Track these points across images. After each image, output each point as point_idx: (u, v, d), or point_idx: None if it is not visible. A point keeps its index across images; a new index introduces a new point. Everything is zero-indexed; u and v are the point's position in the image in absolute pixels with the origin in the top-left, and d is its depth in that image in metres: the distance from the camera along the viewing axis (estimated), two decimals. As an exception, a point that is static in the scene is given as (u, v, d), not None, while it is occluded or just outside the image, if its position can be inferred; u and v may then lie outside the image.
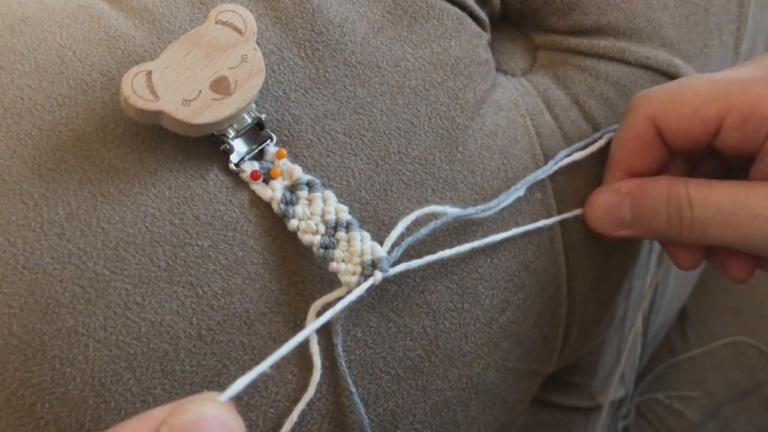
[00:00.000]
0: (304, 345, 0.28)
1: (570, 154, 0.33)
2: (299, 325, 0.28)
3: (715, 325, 0.50)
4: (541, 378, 0.37)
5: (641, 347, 0.45)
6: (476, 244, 0.30)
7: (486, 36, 0.35)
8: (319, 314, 0.27)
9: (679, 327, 0.51)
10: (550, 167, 0.32)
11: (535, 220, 0.33)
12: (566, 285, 0.34)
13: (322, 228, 0.28)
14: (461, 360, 0.31)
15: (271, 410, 0.28)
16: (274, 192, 0.28)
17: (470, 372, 0.31)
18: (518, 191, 0.32)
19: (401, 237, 0.29)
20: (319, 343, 0.28)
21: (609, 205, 0.31)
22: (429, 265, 0.30)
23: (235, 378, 0.27)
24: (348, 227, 0.28)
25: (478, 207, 0.30)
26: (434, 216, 0.30)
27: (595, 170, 0.34)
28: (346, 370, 0.28)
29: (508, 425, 0.35)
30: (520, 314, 0.33)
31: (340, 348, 0.28)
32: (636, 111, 0.31)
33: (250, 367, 0.27)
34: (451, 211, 0.30)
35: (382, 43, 0.31)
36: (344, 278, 0.27)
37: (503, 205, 0.31)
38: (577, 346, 0.37)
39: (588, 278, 0.35)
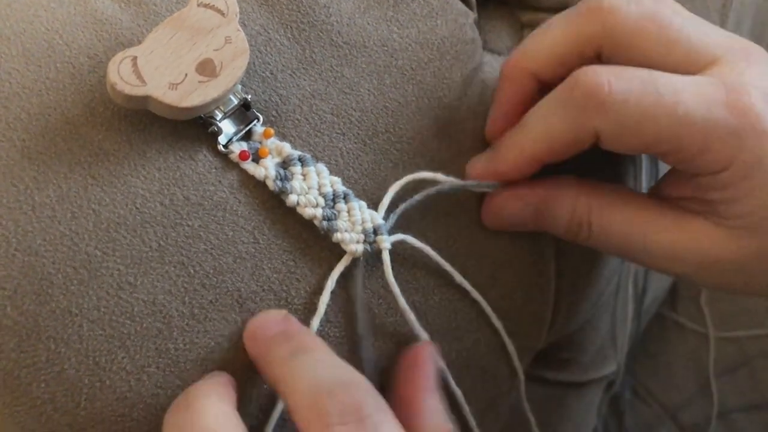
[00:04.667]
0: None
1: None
2: (291, 303, 0.28)
3: (705, 300, 0.50)
4: (531, 353, 0.37)
5: (634, 321, 0.46)
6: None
7: (472, 15, 0.35)
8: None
9: (669, 303, 0.52)
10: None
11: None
12: (554, 260, 0.35)
13: (321, 201, 0.28)
14: (451, 334, 0.31)
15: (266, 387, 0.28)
16: (267, 170, 0.28)
17: (460, 346, 0.32)
18: None
19: (395, 205, 0.29)
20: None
21: (511, 213, 0.31)
22: (419, 241, 0.30)
23: (228, 355, 0.27)
24: (346, 198, 0.29)
25: (479, 181, 0.31)
26: (428, 183, 0.30)
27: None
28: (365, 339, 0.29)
29: (498, 400, 0.35)
30: (509, 290, 0.33)
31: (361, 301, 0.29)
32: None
33: (243, 346, 0.28)
34: (442, 178, 0.30)
35: (368, 23, 0.31)
36: (349, 247, 0.28)
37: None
38: (567, 320, 0.37)
39: (576, 253, 0.35)
